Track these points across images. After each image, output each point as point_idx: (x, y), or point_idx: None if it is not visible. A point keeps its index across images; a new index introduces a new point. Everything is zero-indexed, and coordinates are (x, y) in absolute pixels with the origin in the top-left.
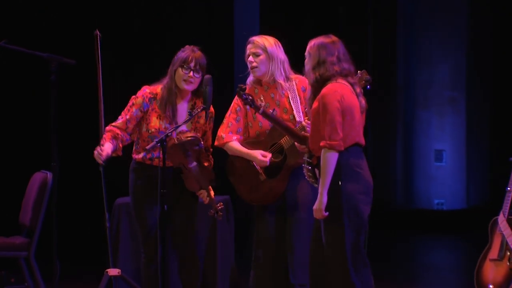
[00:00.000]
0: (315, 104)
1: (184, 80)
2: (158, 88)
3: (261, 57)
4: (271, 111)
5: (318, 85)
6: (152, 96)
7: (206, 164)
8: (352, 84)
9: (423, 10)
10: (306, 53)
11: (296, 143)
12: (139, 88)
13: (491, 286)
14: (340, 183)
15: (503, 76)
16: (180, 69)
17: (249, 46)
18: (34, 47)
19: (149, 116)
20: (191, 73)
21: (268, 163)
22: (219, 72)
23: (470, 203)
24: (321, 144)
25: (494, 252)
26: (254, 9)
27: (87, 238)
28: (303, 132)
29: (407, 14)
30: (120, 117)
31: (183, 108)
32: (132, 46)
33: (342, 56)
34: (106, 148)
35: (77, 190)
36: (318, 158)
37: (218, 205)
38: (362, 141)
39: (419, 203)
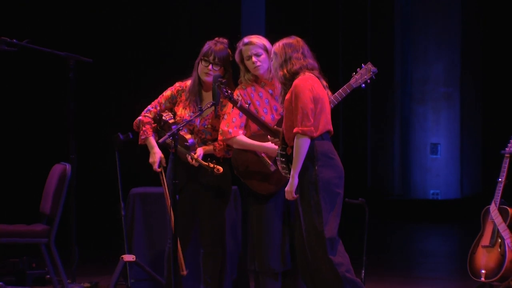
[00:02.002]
0: (287, 96)
1: (205, 73)
2: (188, 82)
3: (262, 56)
4: (247, 105)
5: (287, 80)
6: (180, 89)
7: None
8: (318, 77)
9: (420, 12)
10: (272, 55)
11: (269, 136)
12: (142, 88)
13: (483, 271)
14: (316, 168)
15: (494, 73)
16: (201, 62)
17: (246, 47)
18: (53, 47)
19: (177, 107)
20: (210, 66)
21: None
22: None
23: (463, 193)
24: (294, 130)
25: (486, 239)
26: (260, 10)
27: (104, 226)
28: (275, 126)
29: (405, 16)
30: (150, 108)
31: (209, 97)
32: (137, 50)
33: (306, 53)
34: (157, 153)
35: (94, 180)
36: (293, 148)
37: (207, 163)
38: (331, 129)
39: (416, 193)
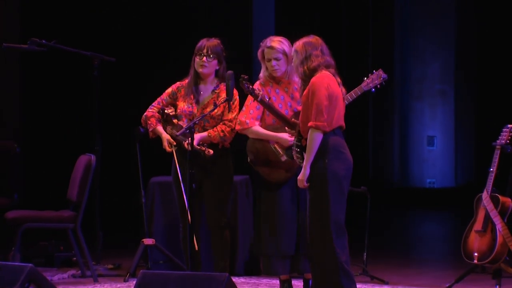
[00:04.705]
0: (305, 92)
1: (200, 65)
2: (186, 81)
3: (281, 60)
4: (267, 99)
5: (306, 77)
6: (180, 85)
7: (213, 132)
8: (334, 75)
9: (418, 14)
10: (292, 53)
11: (286, 128)
12: (160, 86)
13: (476, 254)
14: (326, 161)
15: (486, 72)
16: (196, 57)
17: (268, 50)
18: (79, 47)
19: (178, 102)
20: (204, 58)
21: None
22: (239, 67)
23: (458, 182)
24: (309, 124)
25: (478, 224)
26: (270, 10)
27: (126, 212)
28: (293, 119)
29: (404, 17)
30: (153, 105)
31: (206, 89)
32: (155, 50)
33: (325, 50)
34: (165, 137)
35: (117, 170)
36: (307, 140)
37: (200, 147)
38: (343, 124)
39: (414, 182)
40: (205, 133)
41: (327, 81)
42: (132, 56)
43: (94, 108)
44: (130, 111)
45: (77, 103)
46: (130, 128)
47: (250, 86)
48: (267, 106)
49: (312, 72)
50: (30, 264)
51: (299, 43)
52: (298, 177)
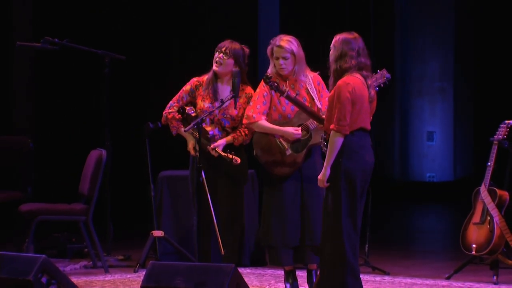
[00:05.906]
0: (331, 93)
1: (215, 62)
2: (204, 77)
3: (289, 59)
4: (294, 95)
5: (337, 75)
6: (198, 83)
7: (236, 135)
8: (365, 77)
9: (418, 14)
10: (331, 46)
11: (316, 122)
12: (168, 82)
13: (474, 245)
14: (340, 160)
15: (483, 69)
16: (214, 54)
17: (277, 49)
18: (90, 45)
19: (196, 100)
20: (220, 55)
21: (300, 136)
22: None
23: (456, 176)
24: (331, 127)
25: (476, 217)
26: (275, 10)
27: (135, 205)
28: (322, 114)
29: (404, 17)
30: (172, 104)
31: (223, 89)
32: (163, 48)
33: (361, 51)
34: (191, 141)
35: (127, 164)
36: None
37: (226, 154)
38: (367, 126)
39: (414, 176)
40: (230, 138)
41: (353, 85)
42: (141, 54)
43: (104, 105)
44: (140, 107)
45: (88, 100)
46: (140, 124)
47: (275, 84)
48: (294, 101)
49: (343, 72)
50: (43, 255)
51: (338, 38)
52: (319, 177)
